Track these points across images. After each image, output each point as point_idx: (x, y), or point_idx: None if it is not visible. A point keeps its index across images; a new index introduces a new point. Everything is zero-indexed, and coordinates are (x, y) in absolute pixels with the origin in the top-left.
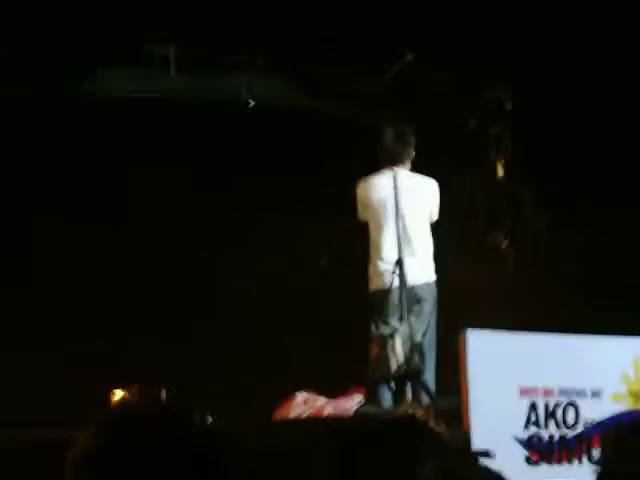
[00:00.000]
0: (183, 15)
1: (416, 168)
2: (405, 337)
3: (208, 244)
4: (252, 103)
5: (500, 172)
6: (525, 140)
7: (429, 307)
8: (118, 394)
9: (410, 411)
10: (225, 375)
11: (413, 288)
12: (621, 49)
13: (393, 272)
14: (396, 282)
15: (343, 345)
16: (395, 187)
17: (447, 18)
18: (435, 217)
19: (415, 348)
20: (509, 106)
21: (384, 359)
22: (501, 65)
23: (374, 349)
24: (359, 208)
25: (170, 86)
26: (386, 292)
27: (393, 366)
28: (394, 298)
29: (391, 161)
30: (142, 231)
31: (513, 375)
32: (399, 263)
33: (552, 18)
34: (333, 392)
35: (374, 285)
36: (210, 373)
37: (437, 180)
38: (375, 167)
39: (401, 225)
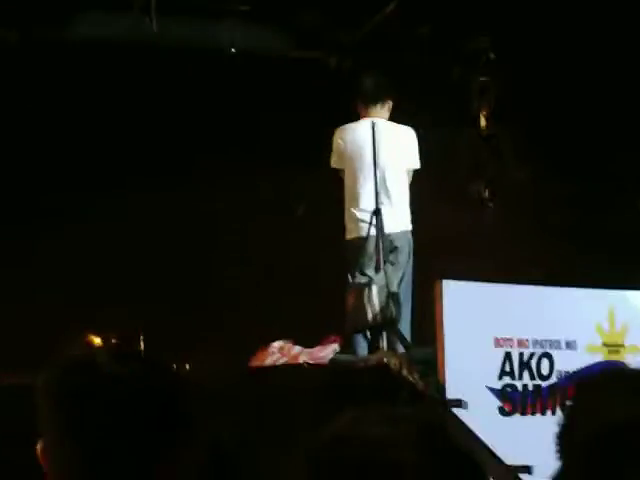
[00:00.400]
0: None
1: (399, 119)
2: (381, 286)
3: (189, 197)
4: (234, 51)
5: (483, 123)
6: (508, 91)
7: (405, 256)
8: (95, 340)
9: (384, 360)
10: (202, 325)
11: (389, 236)
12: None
13: (370, 221)
14: (372, 231)
15: (319, 294)
16: (373, 136)
17: None
18: (415, 166)
19: (391, 297)
20: (492, 56)
21: (360, 308)
22: (484, 15)
23: (350, 298)
24: (334, 156)
25: (151, 32)
26: (362, 241)
27: (369, 315)
28: (370, 247)
29: (369, 106)
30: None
31: (488, 325)
32: (376, 212)
33: None
34: (310, 341)
35: (350, 234)
36: (187, 324)
37: (420, 130)
38: (354, 116)
39: (379, 174)
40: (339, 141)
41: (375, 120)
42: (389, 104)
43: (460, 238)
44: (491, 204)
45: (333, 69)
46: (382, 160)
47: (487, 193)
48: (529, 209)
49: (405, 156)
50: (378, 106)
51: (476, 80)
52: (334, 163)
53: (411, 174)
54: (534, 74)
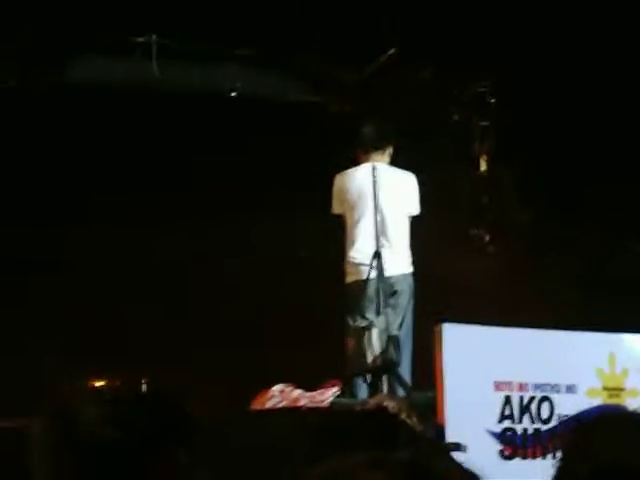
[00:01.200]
0: (165, 4)
1: (399, 162)
2: (381, 330)
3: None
4: (234, 94)
5: (483, 166)
6: (509, 133)
7: (405, 299)
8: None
9: (383, 403)
10: (203, 368)
11: (389, 279)
12: (600, 44)
13: (370, 264)
14: (373, 274)
15: (320, 338)
16: (374, 180)
17: (431, 14)
18: (415, 211)
19: (391, 341)
20: (492, 99)
21: (360, 352)
22: (484, 59)
23: (350, 342)
24: (335, 201)
25: (152, 76)
26: (362, 284)
27: (369, 359)
28: (371, 290)
29: (369, 153)
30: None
31: (488, 369)
32: (376, 255)
33: (534, 14)
34: (310, 385)
35: (350, 277)
36: (189, 367)
37: (421, 173)
38: (355, 161)
39: (379, 218)
40: (339, 186)
41: (375, 165)
42: (390, 149)
43: (461, 281)
44: (491, 248)
45: (334, 113)
46: (382, 203)
47: (488, 237)
48: (530, 252)
49: (405, 201)
50: (379, 152)
51: (476, 123)
52: (335, 209)
53: (410, 219)
54: (534, 116)
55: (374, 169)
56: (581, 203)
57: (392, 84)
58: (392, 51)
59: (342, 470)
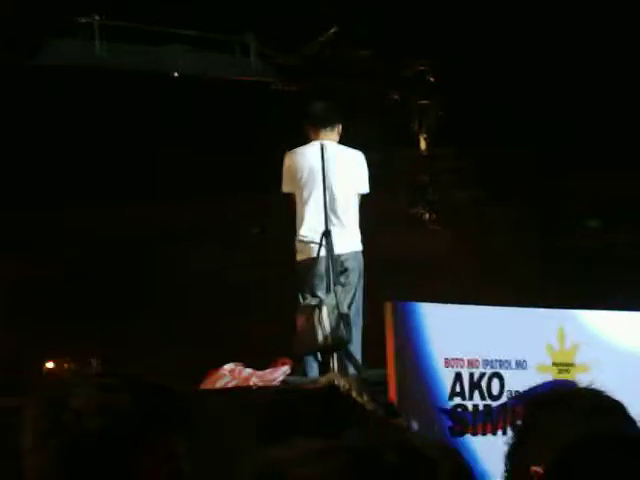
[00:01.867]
0: None
1: (342, 140)
2: (331, 308)
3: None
4: (176, 74)
5: (423, 145)
6: (448, 112)
7: (355, 277)
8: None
9: (334, 381)
10: (155, 347)
11: (339, 257)
12: (537, 23)
13: (320, 242)
14: (322, 252)
15: (271, 316)
16: (322, 158)
17: None
18: (364, 189)
19: (341, 319)
20: (432, 79)
21: (310, 330)
22: (424, 38)
23: (300, 320)
24: (285, 179)
25: (95, 56)
26: (313, 262)
27: (319, 337)
28: (321, 268)
29: (319, 129)
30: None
31: (438, 346)
32: (326, 233)
33: None
34: (261, 364)
35: (300, 256)
36: (141, 346)
37: (364, 152)
38: (302, 139)
39: (328, 196)
40: (289, 165)
41: (324, 142)
42: (339, 127)
43: (409, 259)
44: (432, 226)
45: (277, 91)
46: (331, 182)
47: (429, 216)
48: (476, 231)
49: (354, 179)
50: (328, 129)
51: (416, 103)
52: (285, 187)
53: (359, 197)
54: (474, 96)
55: (323, 147)
56: (523, 182)
57: (333, 63)
58: (333, 30)
59: (291, 459)
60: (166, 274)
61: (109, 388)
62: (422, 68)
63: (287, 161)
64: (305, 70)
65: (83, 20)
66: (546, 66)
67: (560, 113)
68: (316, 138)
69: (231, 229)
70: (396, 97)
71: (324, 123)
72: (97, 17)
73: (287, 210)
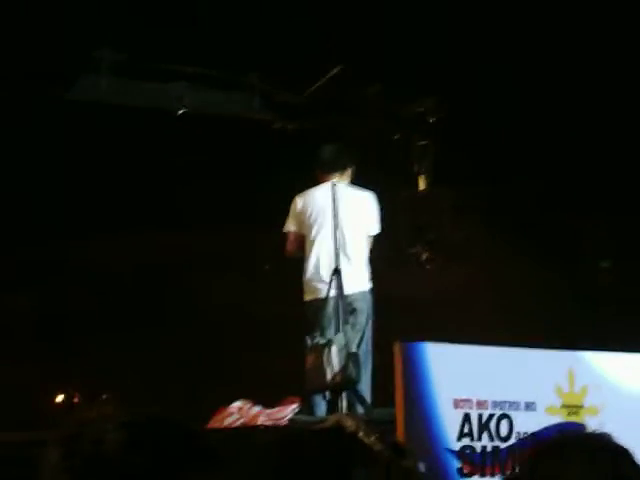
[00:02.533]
0: (117, 20)
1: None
2: (340, 347)
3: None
4: (182, 111)
5: (422, 184)
6: (448, 153)
7: (364, 317)
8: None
9: (340, 422)
10: (165, 384)
11: (348, 297)
12: (535, 68)
13: (330, 281)
14: (332, 292)
15: (281, 355)
16: (333, 198)
17: (373, 33)
18: (374, 231)
19: (350, 358)
20: (432, 119)
21: (319, 369)
22: (426, 79)
23: (309, 359)
24: (292, 220)
25: (104, 91)
26: (322, 302)
27: (328, 376)
28: (330, 308)
29: (329, 174)
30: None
31: (447, 386)
32: (336, 272)
33: (474, 37)
34: (270, 402)
35: (308, 295)
36: (149, 382)
37: (369, 191)
38: (310, 179)
39: (338, 235)
40: (299, 207)
41: (335, 183)
42: (349, 170)
43: (416, 299)
44: (429, 267)
45: (278, 130)
46: (342, 222)
47: (426, 256)
48: (483, 268)
49: (365, 220)
50: (338, 173)
51: (416, 142)
52: (291, 227)
53: (371, 239)
54: (474, 134)
55: (334, 186)
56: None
57: (335, 103)
58: (336, 70)
59: None
60: (178, 307)
61: (135, 426)
62: (422, 109)
63: (297, 202)
64: (306, 109)
65: (92, 55)
66: (552, 105)
67: (566, 152)
68: (326, 181)
69: (250, 263)
70: (397, 137)
71: (334, 168)
72: (106, 52)
73: (280, 249)
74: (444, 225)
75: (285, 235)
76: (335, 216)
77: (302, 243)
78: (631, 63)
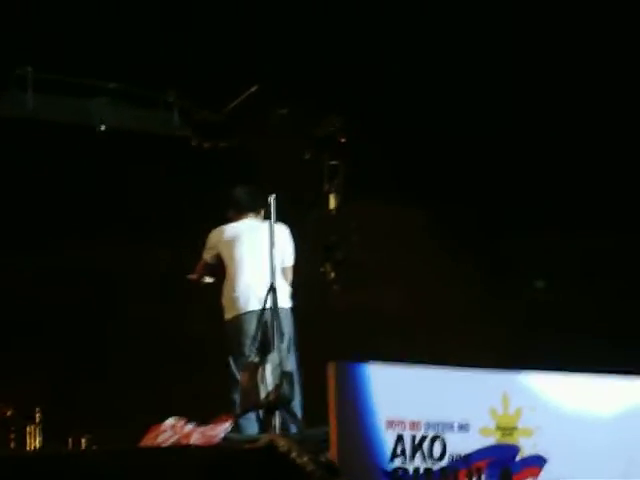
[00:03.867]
0: (41, 37)
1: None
2: (275, 365)
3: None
4: (102, 127)
5: (332, 204)
6: (359, 171)
7: (290, 334)
8: None
9: (273, 442)
10: (99, 402)
11: (277, 314)
12: (447, 83)
13: (265, 299)
14: (254, 307)
15: (213, 372)
16: (249, 225)
17: (288, 53)
18: (289, 263)
19: (285, 376)
20: (343, 139)
21: (253, 387)
22: (336, 99)
23: (243, 377)
24: (208, 252)
25: (25, 106)
26: (243, 319)
27: (262, 394)
28: (250, 326)
29: (241, 215)
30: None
31: (380, 406)
32: (271, 289)
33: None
34: (203, 420)
35: (229, 313)
36: (83, 399)
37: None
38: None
39: (259, 256)
40: (215, 241)
41: (247, 220)
42: (261, 209)
43: (357, 316)
44: (336, 287)
45: (194, 147)
46: (259, 243)
47: (333, 275)
48: (418, 288)
49: (280, 255)
50: (252, 214)
51: (327, 162)
52: (209, 259)
53: (289, 271)
54: (386, 153)
55: (247, 219)
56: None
57: (250, 122)
58: (253, 89)
59: None
60: (108, 324)
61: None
62: (333, 128)
63: (213, 237)
64: (222, 127)
65: (17, 72)
66: (479, 124)
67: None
68: (240, 219)
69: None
70: (308, 156)
71: (248, 210)
72: (30, 69)
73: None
74: (352, 245)
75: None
76: (272, 235)
77: (211, 270)
78: (555, 82)
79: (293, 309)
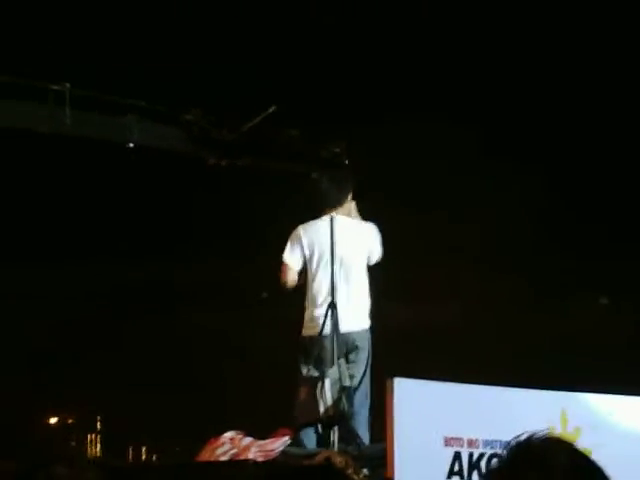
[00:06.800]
0: (78, 55)
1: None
2: (334, 381)
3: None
4: (131, 145)
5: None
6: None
7: (365, 355)
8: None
9: (329, 458)
10: (158, 414)
11: (349, 334)
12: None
13: (325, 316)
14: (328, 326)
15: (275, 387)
16: (332, 232)
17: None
18: (375, 258)
19: (343, 392)
20: (346, 160)
21: (312, 402)
22: (341, 121)
23: (302, 392)
24: (291, 249)
25: (63, 123)
26: (318, 337)
27: (321, 409)
28: (327, 342)
29: (328, 207)
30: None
31: (438, 424)
32: (332, 307)
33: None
34: (262, 434)
35: (307, 330)
36: (142, 410)
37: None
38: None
39: (337, 270)
40: (299, 239)
41: (334, 216)
42: (347, 199)
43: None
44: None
45: (212, 166)
46: (342, 256)
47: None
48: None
49: (365, 251)
50: (339, 208)
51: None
52: (288, 256)
53: (376, 266)
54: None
55: (332, 220)
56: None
57: (264, 142)
58: (271, 109)
59: None
60: (168, 333)
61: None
62: (337, 150)
63: (298, 234)
64: (238, 147)
65: (54, 87)
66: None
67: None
68: (327, 213)
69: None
70: (314, 176)
71: (331, 203)
72: (68, 85)
73: (276, 277)
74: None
75: (281, 264)
76: (333, 251)
77: (298, 274)
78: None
79: (372, 327)
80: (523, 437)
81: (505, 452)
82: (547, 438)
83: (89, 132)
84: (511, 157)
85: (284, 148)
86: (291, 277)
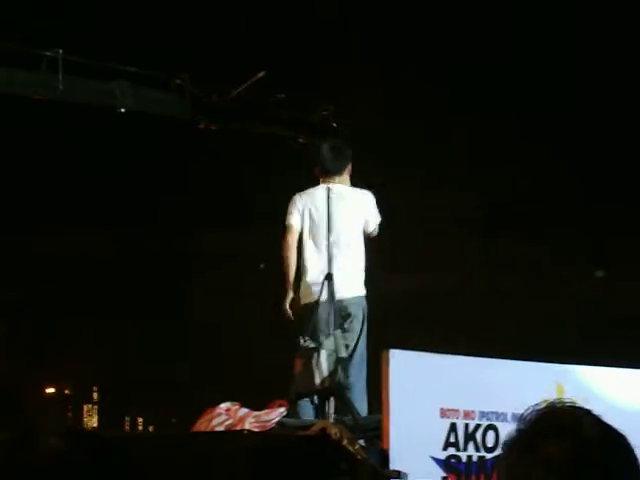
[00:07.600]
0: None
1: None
2: (330, 352)
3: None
4: (123, 109)
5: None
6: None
7: (359, 322)
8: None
9: (325, 429)
10: (154, 384)
11: (343, 302)
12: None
13: (322, 285)
14: (325, 296)
15: (274, 359)
16: (328, 201)
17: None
18: (372, 226)
19: (340, 363)
20: (334, 125)
21: (308, 373)
22: (329, 85)
23: (299, 363)
24: (292, 213)
25: (55, 88)
26: (314, 306)
27: (317, 380)
28: (323, 312)
29: (328, 175)
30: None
31: (434, 396)
32: (328, 277)
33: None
34: (259, 404)
35: (304, 299)
36: (138, 379)
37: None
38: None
39: (333, 239)
40: (298, 205)
41: (331, 186)
42: (347, 167)
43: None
44: None
45: (202, 129)
46: (337, 225)
47: None
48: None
49: (361, 219)
50: (336, 174)
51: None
52: (292, 220)
53: (374, 232)
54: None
55: (329, 190)
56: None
57: (255, 106)
58: (261, 74)
59: None
60: (167, 307)
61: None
62: (325, 113)
63: (295, 201)
64: (227, 111)
65: (47, 53)
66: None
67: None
68: (324, 181)
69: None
70: (302, 141)
71: (333, 169)
72: (61, 51)
73: (281, 240)
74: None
75: (285, 227)
76: (330, 220)
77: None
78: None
79: (367, 296)
80: (543, 406)
81: (525, 423)
82: (573, 407)
83: (81, 98)
84: (518, 133)
85: (273, 112)
86: (296, 239)
